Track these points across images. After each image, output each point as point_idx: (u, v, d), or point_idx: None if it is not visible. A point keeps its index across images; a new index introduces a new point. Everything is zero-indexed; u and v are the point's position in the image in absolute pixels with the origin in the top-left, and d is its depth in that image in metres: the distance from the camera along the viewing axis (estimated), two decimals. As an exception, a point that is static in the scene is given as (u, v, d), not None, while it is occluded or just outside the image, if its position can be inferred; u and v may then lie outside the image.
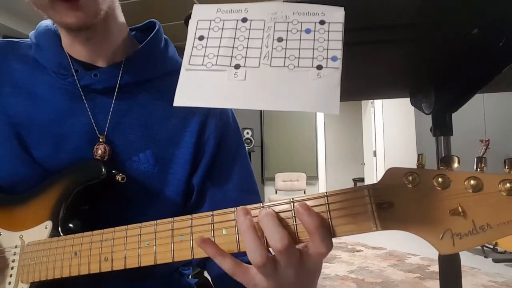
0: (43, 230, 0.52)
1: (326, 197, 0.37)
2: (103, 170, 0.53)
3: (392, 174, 0.36)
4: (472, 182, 0.33)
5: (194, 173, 0.62)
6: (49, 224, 0.52)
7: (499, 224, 0.32)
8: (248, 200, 0.63)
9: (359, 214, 0.36)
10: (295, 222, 0.38)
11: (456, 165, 0.34)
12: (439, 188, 0.34)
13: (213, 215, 0.41)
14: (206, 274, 0.73)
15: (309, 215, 0.36)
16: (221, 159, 0.63)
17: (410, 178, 0.35)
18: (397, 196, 0.35)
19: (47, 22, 0.64)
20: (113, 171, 0.54)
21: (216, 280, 0.63)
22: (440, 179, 0.34)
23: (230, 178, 0.64)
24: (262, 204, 0.40)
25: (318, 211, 0.37)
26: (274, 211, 0.38)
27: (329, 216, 0.37)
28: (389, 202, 0.36)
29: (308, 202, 0.38)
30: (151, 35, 0.64)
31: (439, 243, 0.34)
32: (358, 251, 4.09)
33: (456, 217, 0.33)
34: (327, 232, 0.36)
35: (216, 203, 0.62)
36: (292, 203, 0.39)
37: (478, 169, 0.34)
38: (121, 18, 0.63)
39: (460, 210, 0.33)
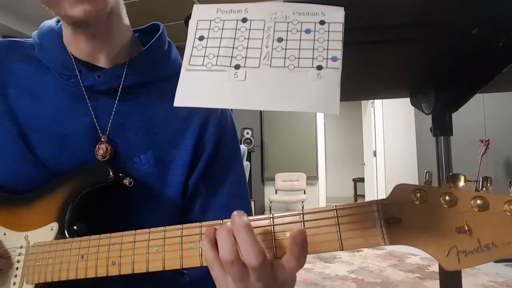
0: (48, 231, 0.52)
1: (335, 211, 0.38)
2: (111, 173, 0.53)
3: (400, 190, 0.37)
4: (478, 201, 0.34)
5: (191, 174, 0.62)
6: (55, 225, 0.52)
7: (503, 244, 0.32)
8: (237, 206, 0.63)
9: (368, 228, 0.36)
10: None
11: (462, 183, 0.35)
12: (446, 206, 0.35)
13: (222, 224, 0.41)
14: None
15: (303, 248, 0.36)
16: (217, 162, 0.63)
17: (418, 195, 0.36)
18: (405, 212, 0.36)
19: (50, 23, 0.64)
20: (120, 175, 0.54)
21: (192, 282, 0.63)
22: (447, 197, 0.35)
23: (223, 182, 0.64)
24: (272, 214, 0.40)
25: (327, 224, 0.38)
26: (250, 224, 0.38)
27: (338, 229, 0.37)
28: (397, 217, 0.36)
29: (317, 215, 0.38)
30: (155, 38, 0.64)
31: (445, 260, 0.34)
32: (358, 251, 4.09)
33: (462, 235, 0.34)
34: (305, 253, 0.37)
35: (206, 205, 0.62)
36: (302, 215, 0.39)
37: (484, 189, 0.34)
38: (125, 19, 0.63)
39: (466, 228, 0.33)
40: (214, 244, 0.39)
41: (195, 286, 0.63)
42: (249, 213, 0.42)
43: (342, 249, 0.37)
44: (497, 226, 0.33)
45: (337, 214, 0.37)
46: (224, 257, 0.37)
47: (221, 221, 0.41)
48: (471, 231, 0.33)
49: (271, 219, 0.39)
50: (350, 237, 0.37)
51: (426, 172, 0.37)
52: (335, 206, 0.38)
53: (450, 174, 0.36)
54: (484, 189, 0.34)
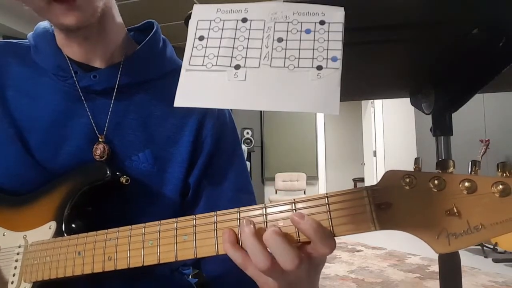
0: (47, 230, 0.53)
1: (326, 198, 0.38)
2: (108, 172, 0.53)
3: (390, 176, 0.37)
4: (466, 184, 0.34)
5: (190, 171, 0.62)
6: (53, 224, 0.52)
7: (492, 224, 0.33)
8: (243, 200, 0.64)
9: (359, 214, 0.37)
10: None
11: (451, 169, 0.36)
12: (435, 190, 0.35)
13: (216, 215, 0.41)
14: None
15: (306, 222, 0.36)
16: (217, 159, 0.64)
17: (407, 180, 0.36)
18: (395, 197, 0.36)
19: (45, 24, 0.64)
20: (117, 173, 0.54)
21: (213, 280, 0.63)
22: (436, 181, 0.35)
23: (226, 177, 0.64)
24: (264, 204, 0.40)
25: (318, 211, 0.38)
26: (280, 230, 0.37)
27: (329, 216, 0.37)
28: (387, 203, 0.36)
29: (309, 203, 0.38)
30: (150, 36, 0.64)
31: (435, 243, 0.35)
32: (358, 251, 4.09)
33: (451, 218, 0.34)
34: (327, 233, 0.37)
35: (212, 202, 0.62)
36: (293, 204, 0.39)
37: (472, 172, 0.35)
38: (118, 18, 0.63)
39: (455, 210, 0.34)
40: (237, 244, 0.39)
41: (217, 284, 0.63)
42: None
43: (334, 236, 0.37)
44: (485, 207, 0.33)
45: (328, 202, 0.38)
46: (260, 266, 0.36)
47: (215, 213, 0.41)
48: (460, 214, 0.34)
49: (263, 208, 0.39)
50: (341, 223, 0.37)
51: (416, 159, 0.38)
52: (326, 194, 0.38)
53: (440, 160, 0.37)
54: (472, 172, 0.35)
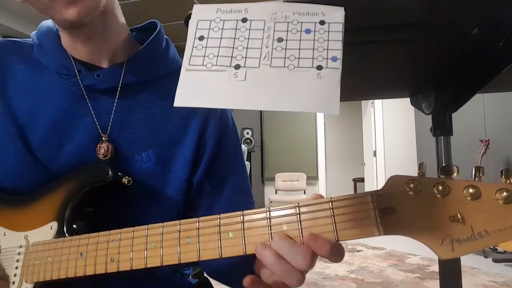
0: (48, 230, 0.52)
1: (330, 202, 0.38)
2: (110, 172, 0.53)
3: (394, 181, 0.37)
4: (470, 190, 0.34)
5: (194, 172, 0.62)
6: (54, 224, 0.52)
7: (496, 231, 0.33)
8: (242, 201, 0.65)
9: (363, 219, 0.37)
10: (300, 226, 0.39)
11: (455, 174, 0.36)
12: (439, 196, 0.35)
13: (219, 218, 0.41)
14: (206, 274, 0.73)
15: (320, 245, 0.37)
16: (220, 160, 0.64)
17: (412, 185, 0.36)
18: (399, 202, 0.36)
19: (48, 23, 0.64)
20: (119, 174, 0.54)
21: (214, 273, 0.64)
22: (440, 187, 0.35)
23: (227, 179, 0.64)
24: (268, 208, 0.40)
25: (322, 215, 0.38)
26: (284, 234, 0.39)
27: (333, 221, 0.38)
28: (391, 208, 0.36)
29: (313, 207, 0.39)
30: (153, 36, 0.64)
31: (439, 248, 0.35)
32: (358, 251, 4.09)
33: (455, 224, 0.34)
34: (339, 249, 0.38)
35: (212, 202, 0.63)
36: (297, 208, 0.39)
37: (476, 178, 0.35)
38: (121, 18, 0.63)
39: (459, 216, 0.34)
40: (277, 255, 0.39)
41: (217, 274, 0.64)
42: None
43: (338, 240, 0.38)
44: (489, 214, 0.33)
45: (332, 206, 0.38)
46: (293, 283, 0.38)
47: (218, 216, 0.41)
48: (464, 220, 0.34)
49: (267, 212, 0.40)
50: (345, 228, 0.37)
51: (420, 164, 0.38)
52: (331, 198, 0.38)
53: (443, 165, 0.36)
54: (476, 178, 0.35)
